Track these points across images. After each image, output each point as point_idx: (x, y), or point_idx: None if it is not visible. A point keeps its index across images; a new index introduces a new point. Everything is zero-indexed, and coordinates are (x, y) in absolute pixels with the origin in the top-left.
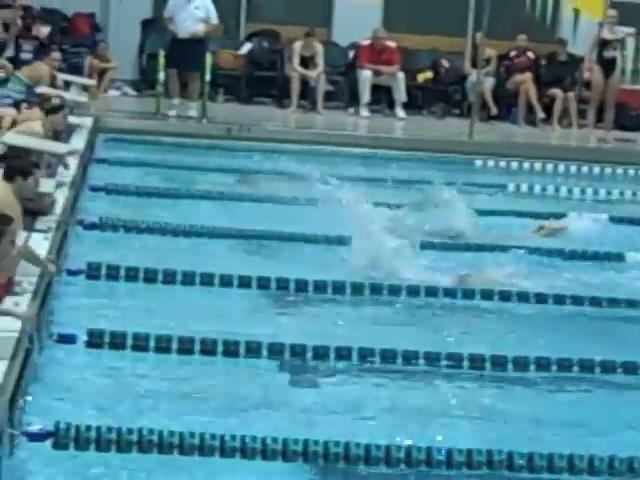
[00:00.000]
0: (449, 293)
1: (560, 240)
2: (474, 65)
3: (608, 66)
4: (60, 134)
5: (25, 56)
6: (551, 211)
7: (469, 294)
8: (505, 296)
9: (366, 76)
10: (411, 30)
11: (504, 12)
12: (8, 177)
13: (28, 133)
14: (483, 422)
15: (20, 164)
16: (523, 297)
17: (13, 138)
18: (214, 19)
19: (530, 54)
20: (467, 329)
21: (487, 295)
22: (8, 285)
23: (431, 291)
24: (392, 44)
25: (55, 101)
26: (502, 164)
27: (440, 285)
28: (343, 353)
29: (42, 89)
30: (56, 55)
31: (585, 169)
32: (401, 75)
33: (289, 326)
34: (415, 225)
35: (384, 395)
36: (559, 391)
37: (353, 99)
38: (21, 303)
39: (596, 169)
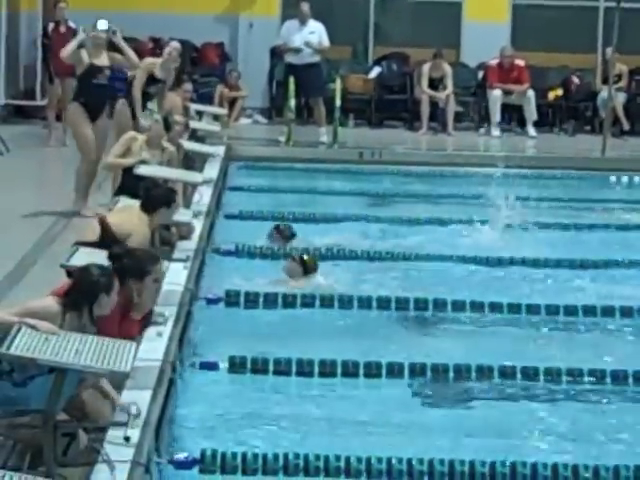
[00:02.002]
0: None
1: None
2: (605, 81)
3: None
4: (194, 163)
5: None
6: None
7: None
8: None
9: (496, 96)
10: (540, 48)
11: (634, 26)
12: (151, 209)
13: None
14: None
15: (163, 193)
16: None
17: (150, 170)
18: (326, 42)
19: None
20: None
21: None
22: (148, 317)
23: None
24: (521, 62)
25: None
26: (636, 179)
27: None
28: (484, 372)
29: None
30: (187, 86)
31: None
32: (531, 93)
33: (428, 346)
34: None
35: (528, 416)
36: None
37: (483, 119)
38: (163, 332)
39: None
